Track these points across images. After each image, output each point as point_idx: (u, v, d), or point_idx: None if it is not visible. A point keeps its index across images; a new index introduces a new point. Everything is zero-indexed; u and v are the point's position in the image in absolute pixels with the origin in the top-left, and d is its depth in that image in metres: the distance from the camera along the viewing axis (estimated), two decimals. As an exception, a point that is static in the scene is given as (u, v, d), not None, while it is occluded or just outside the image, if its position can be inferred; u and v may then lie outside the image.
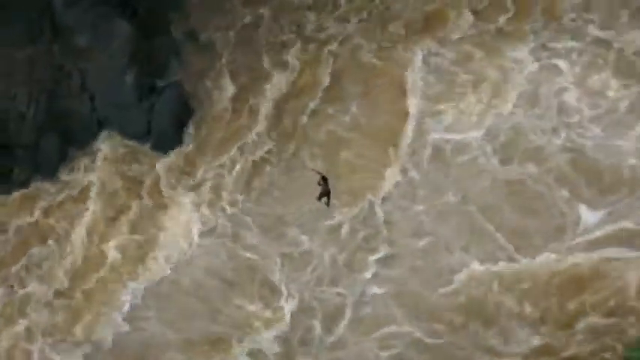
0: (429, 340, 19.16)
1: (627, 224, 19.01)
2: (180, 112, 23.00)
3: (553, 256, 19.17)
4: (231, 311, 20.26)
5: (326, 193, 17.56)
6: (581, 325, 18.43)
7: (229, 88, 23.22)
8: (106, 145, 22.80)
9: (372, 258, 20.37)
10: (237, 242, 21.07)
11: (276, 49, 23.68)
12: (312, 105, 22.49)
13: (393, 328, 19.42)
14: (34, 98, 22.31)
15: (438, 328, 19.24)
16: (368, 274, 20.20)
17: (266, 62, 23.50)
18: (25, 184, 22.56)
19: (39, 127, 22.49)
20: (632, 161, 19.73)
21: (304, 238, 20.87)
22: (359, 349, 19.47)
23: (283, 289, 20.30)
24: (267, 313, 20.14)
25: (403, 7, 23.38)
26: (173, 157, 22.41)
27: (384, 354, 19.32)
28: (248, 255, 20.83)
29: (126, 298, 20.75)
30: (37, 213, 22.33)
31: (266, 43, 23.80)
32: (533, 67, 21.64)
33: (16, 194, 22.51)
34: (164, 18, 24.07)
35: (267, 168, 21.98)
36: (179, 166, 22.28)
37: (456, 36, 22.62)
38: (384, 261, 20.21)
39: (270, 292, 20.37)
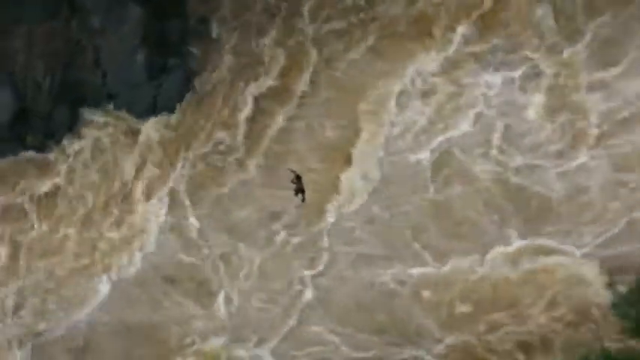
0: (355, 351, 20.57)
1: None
2: (186, 92, 24.62)
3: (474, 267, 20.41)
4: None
5: (300, 190, 19.44)
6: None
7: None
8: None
9: (307, 270, 21.69)
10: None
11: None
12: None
13: (321, 337, 20.80)
14: (50, 70, 23.98)
15: (362, 337, 20.59)
16: (301, 284, 21.56)
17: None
18: (37, 148, 24.28)
19: (53, 97, 24.35)
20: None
21: (241, 245, 22.21)
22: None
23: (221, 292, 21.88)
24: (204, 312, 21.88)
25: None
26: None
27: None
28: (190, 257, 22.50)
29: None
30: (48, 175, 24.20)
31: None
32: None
33: (28, 157, 24.26)
34: (178, 1, 25.42)
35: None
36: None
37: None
38: (318, 270, 21.56)
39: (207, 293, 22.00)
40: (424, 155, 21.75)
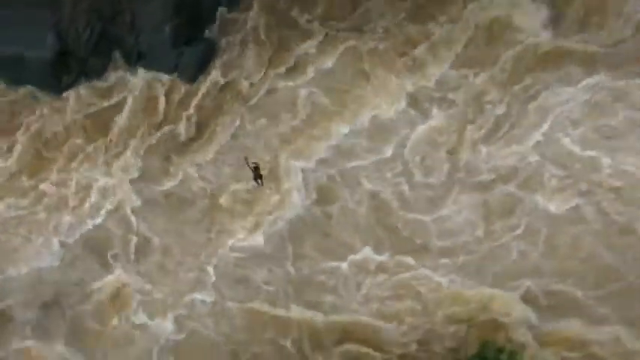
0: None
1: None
2: (206, 64, 28.17)
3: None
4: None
5: (259, 177, 23.61)
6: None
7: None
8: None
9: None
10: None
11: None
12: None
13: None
14: (91, 24, 27.93)
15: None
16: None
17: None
18: (71, 86, 28.34)
19: (91, 47, 28.44)
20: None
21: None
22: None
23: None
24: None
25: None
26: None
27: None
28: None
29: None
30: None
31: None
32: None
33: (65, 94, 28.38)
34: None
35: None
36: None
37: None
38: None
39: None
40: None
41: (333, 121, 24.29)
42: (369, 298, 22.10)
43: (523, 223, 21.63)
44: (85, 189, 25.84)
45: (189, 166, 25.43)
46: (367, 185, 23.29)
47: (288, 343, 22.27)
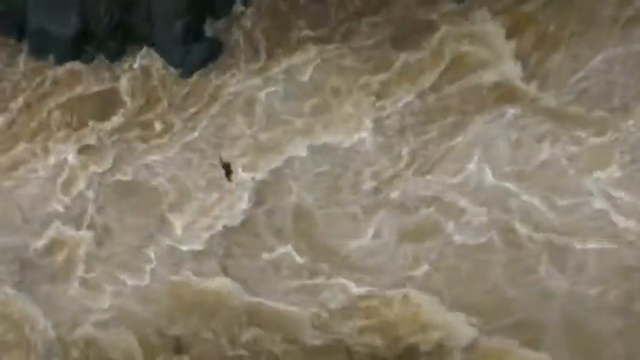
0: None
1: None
2: (206, 63, 30.04)
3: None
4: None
5: (229, 174, 25.60)
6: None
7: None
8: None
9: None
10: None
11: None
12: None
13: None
14: (110, 12, 30.50)
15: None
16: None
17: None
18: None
19: (109, 32, 31.15)
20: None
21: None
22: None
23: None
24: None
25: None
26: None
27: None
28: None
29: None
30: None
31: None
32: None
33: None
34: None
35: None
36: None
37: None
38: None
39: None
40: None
41: (288, 134, 25.88)
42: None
43: (436, 249, 22.63)
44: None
45: (149, 158, 27.42)
46: (295, 196, 24.83)
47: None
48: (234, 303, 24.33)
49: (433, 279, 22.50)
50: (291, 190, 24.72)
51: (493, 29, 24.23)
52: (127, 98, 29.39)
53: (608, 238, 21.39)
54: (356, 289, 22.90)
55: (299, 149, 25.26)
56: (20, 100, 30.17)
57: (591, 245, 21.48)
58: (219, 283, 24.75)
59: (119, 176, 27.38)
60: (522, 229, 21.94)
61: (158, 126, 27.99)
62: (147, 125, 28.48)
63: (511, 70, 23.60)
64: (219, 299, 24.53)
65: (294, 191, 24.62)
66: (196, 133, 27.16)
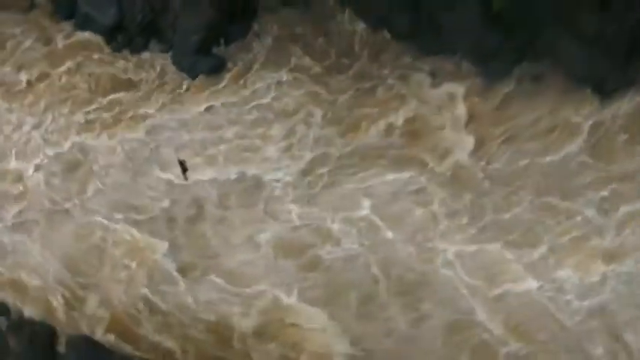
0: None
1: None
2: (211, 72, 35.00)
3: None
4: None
5: (185, 171, 30.68)
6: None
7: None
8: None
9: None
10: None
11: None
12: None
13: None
14: (143, 12, 35.35)
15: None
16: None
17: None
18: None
19: (139, 29, 36.13)
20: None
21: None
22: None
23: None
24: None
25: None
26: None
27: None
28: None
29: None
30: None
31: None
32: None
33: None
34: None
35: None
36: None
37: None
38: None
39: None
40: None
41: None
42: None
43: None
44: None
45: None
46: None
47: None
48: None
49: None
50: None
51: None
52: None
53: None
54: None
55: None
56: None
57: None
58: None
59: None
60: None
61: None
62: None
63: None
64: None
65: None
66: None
